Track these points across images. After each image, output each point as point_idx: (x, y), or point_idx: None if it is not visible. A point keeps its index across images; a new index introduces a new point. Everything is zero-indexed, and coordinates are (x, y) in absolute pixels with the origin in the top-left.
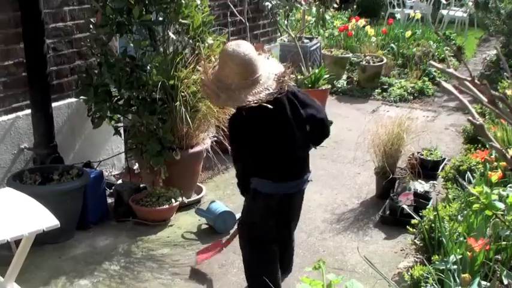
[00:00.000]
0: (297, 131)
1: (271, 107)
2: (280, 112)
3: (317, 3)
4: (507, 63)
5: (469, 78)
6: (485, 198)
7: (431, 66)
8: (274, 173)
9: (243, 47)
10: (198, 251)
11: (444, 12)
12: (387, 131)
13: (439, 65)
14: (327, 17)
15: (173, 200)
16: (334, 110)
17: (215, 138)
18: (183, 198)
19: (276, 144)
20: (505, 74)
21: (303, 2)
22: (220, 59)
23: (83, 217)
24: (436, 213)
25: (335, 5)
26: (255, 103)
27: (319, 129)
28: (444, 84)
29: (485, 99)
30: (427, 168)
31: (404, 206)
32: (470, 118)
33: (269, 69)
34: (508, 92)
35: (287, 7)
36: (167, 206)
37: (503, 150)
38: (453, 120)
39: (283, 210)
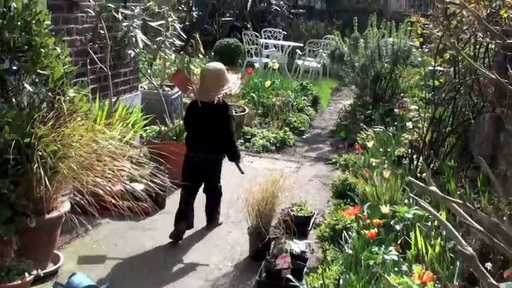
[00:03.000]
0: (207, 125)
1: (200, 105)
2: (202, 110)
3: (182, 53)
4: (362, 114)
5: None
6: None
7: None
8: (188, 145)
9: (217, 65)
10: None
11: (299, 62)
12: (261, 190)
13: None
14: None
15: (26, 274)
16: None
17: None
18: (38, 270)
19: (191, 127)
20: (361, 124)
21: (167, 51)
22: (201, 73)
23: None
24: (322, 282)
25: (200, 56)
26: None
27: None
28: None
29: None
30: (299, 225)
31: (287, 274)
32: (460, 247)
33: (232, 80)
34: (369, 144)
35: (151, 55)
36: (19, 282)
37: None
38: (316, 171)
39: (195, 170)
